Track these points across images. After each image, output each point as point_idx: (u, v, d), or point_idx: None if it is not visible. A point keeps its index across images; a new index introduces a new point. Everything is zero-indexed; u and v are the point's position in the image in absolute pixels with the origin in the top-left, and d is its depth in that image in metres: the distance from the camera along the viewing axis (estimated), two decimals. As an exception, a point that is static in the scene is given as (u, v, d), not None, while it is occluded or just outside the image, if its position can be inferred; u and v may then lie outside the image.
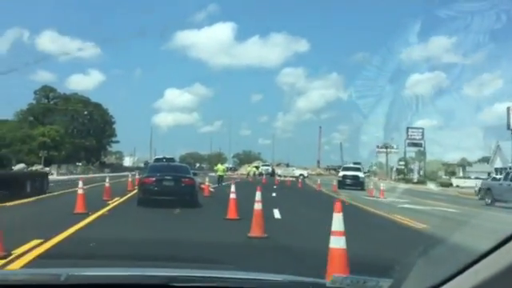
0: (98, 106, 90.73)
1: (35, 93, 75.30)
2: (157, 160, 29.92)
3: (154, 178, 14.67)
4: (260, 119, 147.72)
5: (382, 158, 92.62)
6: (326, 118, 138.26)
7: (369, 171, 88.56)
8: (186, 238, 8.93)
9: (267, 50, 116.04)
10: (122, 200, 17.41)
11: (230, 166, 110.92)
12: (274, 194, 22.61)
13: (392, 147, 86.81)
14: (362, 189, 32.05)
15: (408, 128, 69.98)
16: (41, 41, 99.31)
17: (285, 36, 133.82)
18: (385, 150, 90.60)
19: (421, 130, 70.36)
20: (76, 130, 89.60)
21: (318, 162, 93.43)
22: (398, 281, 1.47)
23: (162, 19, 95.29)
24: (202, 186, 21.58)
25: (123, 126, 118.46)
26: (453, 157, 74.66)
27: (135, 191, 18.59)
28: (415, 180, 57.82)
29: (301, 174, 57.39)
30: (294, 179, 44.96)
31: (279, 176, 51.29)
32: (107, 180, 18.95)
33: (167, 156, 35.32)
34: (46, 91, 75.99)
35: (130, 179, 25.38)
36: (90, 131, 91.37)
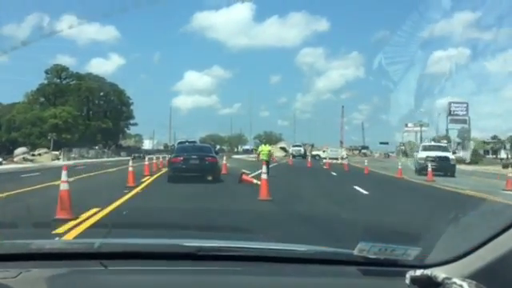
0: (114, 86, 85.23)
1: (46, 72, 69.73)
2: (180, 143, 29.93)
3: (181, 158, 16.11)
4: (279, 100, 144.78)
5: (410, 137, 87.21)
6: (346, 98, 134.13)
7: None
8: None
9: (286, 30, 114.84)
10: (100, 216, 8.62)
11: (251, 147, 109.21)
12: (365, 192, 14.42)
13: (426, 125, 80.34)
14: (453, 175, 23.33)
15: (451, 103, 62.67)
16: (60, 25, 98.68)
17: (304, 15, 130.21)
18: (416, 128, 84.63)
19: (465, 105, 62.92)
20: (91, 111, 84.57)
21: (341, 142, 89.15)
22: (426, 249, 1.49)
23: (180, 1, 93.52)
24: (245, 176, 15.97)
25: (143, 109, 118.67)
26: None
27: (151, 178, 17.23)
28: (468, 160, 50.53)
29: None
30: (334, 161, 38.19)
31: (324, 159, 44.45)
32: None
33: (190, 139, 35.55)
34: (57, 70, 70.37)
35: (146, 163, 21.55)
36: (107, 113, 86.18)
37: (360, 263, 1.57)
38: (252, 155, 54.50)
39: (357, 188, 15.17)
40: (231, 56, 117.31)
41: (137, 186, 14.03)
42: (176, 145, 30.64)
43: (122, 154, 66.06)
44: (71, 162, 35.00)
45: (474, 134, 65.24)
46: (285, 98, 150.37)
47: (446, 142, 39.99)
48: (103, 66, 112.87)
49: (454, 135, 66.84)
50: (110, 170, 24.10)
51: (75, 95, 69.40)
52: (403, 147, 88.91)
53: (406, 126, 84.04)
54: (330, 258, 1.75)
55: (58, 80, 71.20)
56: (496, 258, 1.13)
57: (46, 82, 69.62)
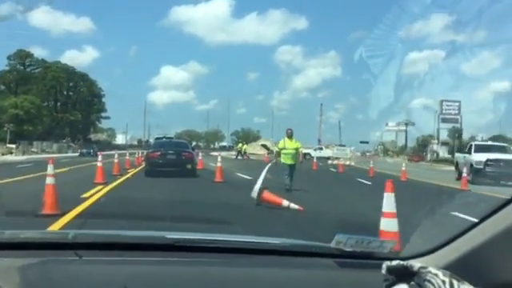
0: (84, 76, 79.24)
1: (9, 58, 63.20)
2: (157, 139, 29.66)
3: (158, 153, 16.43)
4: (256, 97, 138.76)
5: (391, 136, 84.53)
6: (323, 97, 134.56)
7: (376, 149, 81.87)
8: None
9: (265, 27, 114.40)
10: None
11: (228, 144, 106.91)
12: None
13: (411, 123, 77.13)
14: None
15: (442, 101, 59.06)
16: (34, 16, 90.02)
17: (283, 13, 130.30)
18: (396, 127, 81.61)
19: (457, 104, 59.40)
20: (59, 102, 78.31)
21: (319, 140, 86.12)
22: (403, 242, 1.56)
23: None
24: (268, 195, 9.47)
25: (117, 103, 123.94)
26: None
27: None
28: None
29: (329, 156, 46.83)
30: (335, 162, 32.92)
31: (327, 159, 39.28)
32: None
33: (167, 135, 35.51)
34: (21, 56, 63.94)
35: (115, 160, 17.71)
36: (76, 105, 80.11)
37: (337, 255, 1.58)
38: (232, 152, 51.12)
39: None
40: (209, 52, 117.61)
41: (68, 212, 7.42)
42: (153, 140, 30.55)
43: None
44: (23, 158, 29.66)
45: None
46: (262, 95, 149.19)
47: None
48: (77, 59, 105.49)
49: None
50: (61, 169, 18.65)
51: (40, 84, 63.15)
52: (381, 146, 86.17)
53: (387, 124, 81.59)
54: (307, 250, 1.73)
55: (22, 67, 64.73)
56: (471, 249, 1.15)
57: (7, 68, 63.20)
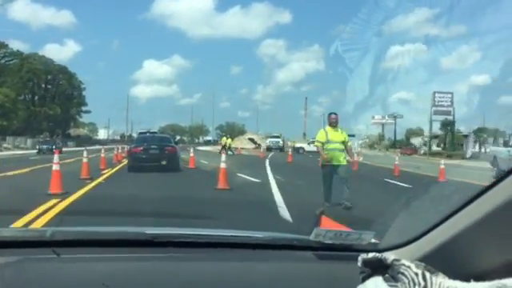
0: (63, 69, 75.89)
1: (-19, 49, 59.50)
2: (141, 133, 28.91)
3: (141, 148, 16.01)
4: (240, 91, 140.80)
5: (377, 130, 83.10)
6: (306, 91, 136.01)
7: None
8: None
9: (248, 21, 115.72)
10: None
11: (212, 138, 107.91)
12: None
13: (400, 116, 75.45)
14: None
15: (435, 92, 57.27)
16: (12, 9, 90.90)
17: (267, 6, 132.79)
18: (383, 120, 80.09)
19: (449, 96, 57.67)
20: (37, 96, 74.70)
21: (305, 134, 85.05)
22: (380, 233, 1.58)
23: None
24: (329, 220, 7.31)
25: (99, 98, 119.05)
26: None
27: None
28: (468, 155, 44.78)
29: None
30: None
31: (303, 152, 37.49)
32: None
33: (151, 130, 33.91)
34: (-6, 47, 60.22)
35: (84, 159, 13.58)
36: (55, 98, 76.58)
37: (316, 248, 1.59)
38: (218, 147, 48.35)
39: None
40: (192, 46, 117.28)
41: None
42: (137, 135, 30.28)
43: (70, 143, 57.06)
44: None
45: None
46: (246, 89, 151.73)
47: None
48: (58, 53, 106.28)
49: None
50: (20, 171, 15.69)
51: (15, 76, 59.59)
52: (367, 140, 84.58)
53: (373, 118, 79.96)
54: (286, 243, 1.74)
55: (-5, 58, 61.16)
56: (445, 240, 1.17)
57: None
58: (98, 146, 61.42)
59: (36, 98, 73.66)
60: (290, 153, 27.41)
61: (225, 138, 38.91)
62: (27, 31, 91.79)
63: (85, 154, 13.36)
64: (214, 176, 11.36)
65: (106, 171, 15.57)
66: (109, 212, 6.14)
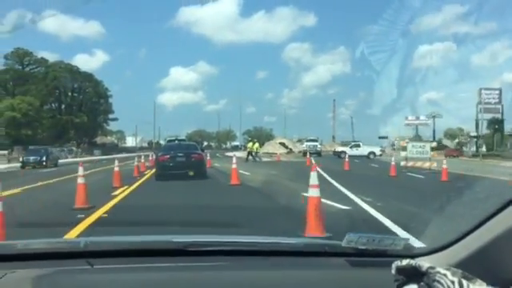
0: (89, 76, 74.05)
1: (6, 57, 57.74)
2: (169, 141, 29.09)
3: (168, 156, 15.97)
4: (265, 96, 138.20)
5: (407, 132, 79.04)
6: (333, 94, 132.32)
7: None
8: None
9: (273, 25, 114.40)
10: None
11: (240, 143, 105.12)
12: None
13: (439, 115, 70.88)
14: None
15: (481, 89, 52.77)
16: (43, 21, 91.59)
17: (291, 10, 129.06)
18: (417, 121, 75.70)
19: (497, 92, 53.06)
20: (64, 104, 73.07)
21: (334, 137, 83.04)
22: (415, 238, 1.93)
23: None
24: None
25: (127, 106, 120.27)
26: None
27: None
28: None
29: (371, 152, 40.33)
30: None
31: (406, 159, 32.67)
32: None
33: (179, 137, 34.17)
34: (19, 55, 58.50)
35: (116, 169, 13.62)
36: (82, 107, 74.82)
37: (348, 254, 1.55)
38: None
39: None
40: (217, 52, 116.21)
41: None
42: (165, 142, 30.08)
43: (96, 152, 54.74)
44: (5, 166, 24.09)
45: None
46: (271, 93, 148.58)
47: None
48: (87, 63, 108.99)
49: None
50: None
51: (40, 84, 57.67)
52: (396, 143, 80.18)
53: (406, 118, 75.46)
54: (319, 249, 1.71)
55: (20, 66, 59.28)
56: (482, 245, 1.13)
57: (4, 68, 57.72)
58: (124, 154, 59.18)
59: (63, 106, 72.15)
60: (346, 159, 23.23)
61: (251, 144, 33.18)
62: (56, 42, 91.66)
63: (80, 171, 9.13)
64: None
65: (118, 192, 11.39)
66: (137, 222, 6.20)
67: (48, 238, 2.22)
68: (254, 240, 1.83)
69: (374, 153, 40.46)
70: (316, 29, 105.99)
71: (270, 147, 56.73)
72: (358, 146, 42.44)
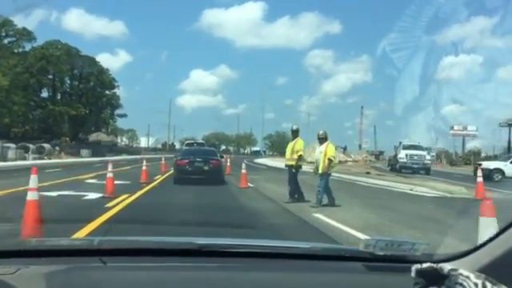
0: (91, 60, 59.77)
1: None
2: (188, 144, 28.44)
3: (187, 160, 15.72)
4: (284, 102, 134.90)
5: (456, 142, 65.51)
6: (352, 103, 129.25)
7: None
8: None
9: (297, 31, 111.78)
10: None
11: (262, 149, 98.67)
12: None
13: (505, 124, 55.70)
14: None
15: None
16: (67, 19, 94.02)
17: (317, 16, 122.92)
18: (464, 131, 61.42)
19: None
20: (59, 93, 58.87)
21: (360, 146, 74.60)
22: (434, 244, 1.62)
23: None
24: None
25: (145, 107, 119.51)
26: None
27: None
28: None
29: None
30: None
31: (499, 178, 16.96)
32: None
33: (198, 141, 33.54)
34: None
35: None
36: (82, 97, 60.58)
37: (366, 259, 1.49)
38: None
39: None
40: (238, 56, 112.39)
41: None
42: (185, 145, 29.32)
43: (84, 152, 39.83)
44: None
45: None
46: (291, 99, 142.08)
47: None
48: (109, 63, 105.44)
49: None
50: None
51: (14, 59, 42.59)
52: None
53: (452, 128, 61.58)
54: (335, 254, 1.66)
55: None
56: (504, 252, 1.09)
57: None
58: (124, 157, 45.61)
59: (58, 95, 58.18)
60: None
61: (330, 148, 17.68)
62: (80, 41, 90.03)
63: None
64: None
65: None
66: (155, 221, 6.28)
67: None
68: (271, 243, 1.75)
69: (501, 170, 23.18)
70: (340, 36, 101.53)
71: (313, 154, 41.27)
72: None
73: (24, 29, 45.39)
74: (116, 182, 11.08)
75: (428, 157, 28.07)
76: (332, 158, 9.52)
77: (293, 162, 10.16)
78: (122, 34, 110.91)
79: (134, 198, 9.99)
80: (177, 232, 4.88)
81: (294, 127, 10.83)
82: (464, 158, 63.66)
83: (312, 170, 10.10)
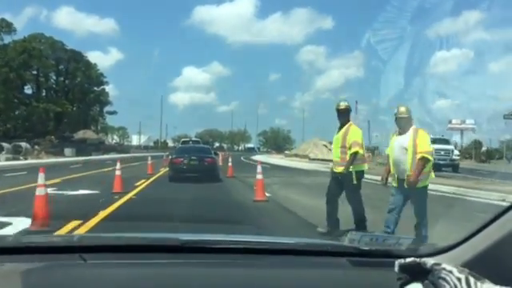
0: (78, 54, 56.64)
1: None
2: (183, 142, 29.16)
3: (181, 159, 15.75)
4: (277, 99, 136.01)
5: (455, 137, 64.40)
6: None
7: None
8: None
9: (289, 27, 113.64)
10: None
11: (256, 145, 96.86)
12: None
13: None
14: None
15: None
16: (57, 17, 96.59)
17: (309, 12, 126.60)
18: (462, 125, 59.61)
19: None
20: (44, 89, 55.71)
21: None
22: (419, 238, 1.50)
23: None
24: None
25: (137, 106, 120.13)
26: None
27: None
28: None
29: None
30: None
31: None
32: None
33: (193, 138, 35.02)
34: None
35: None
36: (68, 94, 57.45)
37: (351, 254, 1.48)
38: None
39: None
40: (231, 52, 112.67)
41: None
42: (181, 143, 29.95)
43: (68, 151, 36.80)
44: None
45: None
46: (283, 96, 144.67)
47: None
48: (100, 60, 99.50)
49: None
50: None
51: (2, 56, 39.69)
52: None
53: (450, 122, 59.84)
54: (320, 249, 1.64)
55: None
56: (487, 246, 1.09)
57: None
58: (113, 155, 42.69)
59: (43, 91, 55.04)
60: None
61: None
62: (70, 38, 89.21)
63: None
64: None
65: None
66: (140, 217, 6.06)
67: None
68: (255, 239, 1.73)
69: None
70: (332, 32, 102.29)
71: (315, 150, 38.62)
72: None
73: (3, 20, 42.20)
74: (72, 192, 9.57)
75: (456, 152, 25.34)
76: (430, 157, 5.33)
77: (348, 168, 6.09)
78: (113, 31, 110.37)
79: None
80: (162, 227, 4.85)
81: (342, 105, 6.46)
82: (463, 152, 61.74)
83: (383, 181, 5.76)
